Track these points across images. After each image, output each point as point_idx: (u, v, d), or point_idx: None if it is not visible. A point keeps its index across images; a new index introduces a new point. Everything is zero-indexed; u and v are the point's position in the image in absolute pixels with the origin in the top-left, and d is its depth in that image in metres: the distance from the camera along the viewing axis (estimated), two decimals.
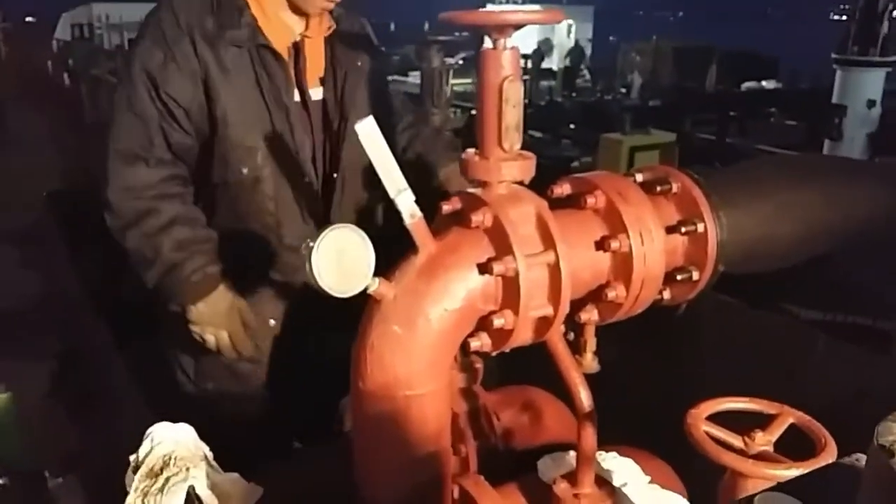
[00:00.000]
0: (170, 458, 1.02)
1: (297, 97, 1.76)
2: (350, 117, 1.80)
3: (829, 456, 0.93)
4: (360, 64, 1.85)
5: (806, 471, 0.90)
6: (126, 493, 1.08)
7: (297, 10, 1.72)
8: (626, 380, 1.35)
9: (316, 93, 1.79)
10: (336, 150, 1.82)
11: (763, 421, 1.03)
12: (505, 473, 1.46)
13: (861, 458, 0.79)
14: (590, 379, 1.28)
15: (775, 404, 1.04)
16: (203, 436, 1.10)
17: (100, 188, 1.68)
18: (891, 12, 10.63)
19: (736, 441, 0.99)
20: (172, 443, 1.04)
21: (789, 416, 1.01)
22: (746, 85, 16.73)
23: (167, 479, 0.98)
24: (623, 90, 14.42)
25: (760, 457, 0.96)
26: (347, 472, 1.27)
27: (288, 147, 1.74)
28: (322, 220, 1.79)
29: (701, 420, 0.99)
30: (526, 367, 1.47)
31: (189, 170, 1.75)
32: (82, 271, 2.77)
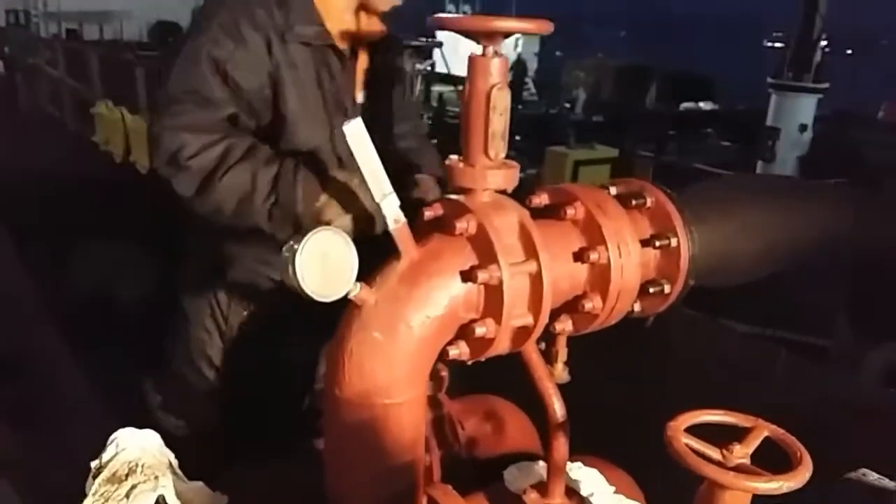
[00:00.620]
0: (136, 465, 0.97)
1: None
2: (388, 120, 1.81)
3: (805, 469, 0.95)
4: (398, 68, 1.85)
5: (787, 483, 0.92)
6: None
7: (364, 7, 1.70)
8: (588, 390, 1.36)
9: (359, 96, 1.78)
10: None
11: (736, 434, 1.04)
12: (466, 482, 1.45)
13: (867, 473, 0.81)
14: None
15: (750, 417, 1.05)
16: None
17: (159, 164, 1.56)
18: (824, 42, 11.10)
19: (714, 453, 1.00)
20: (139, 450, 1.00)
21: (764, 430, 1.03)
22: (684, 105, 17.22)
23: (133, 486, 0.94)
24: (567, 105, 14.67)
25: (739, 469, 0.98)
26: (316, 479, 1.24)
27: (344, 150, 1.70)
28: None
29: (680, 432, 1.00)
30: (480, 375, 1.47)
31: None
32: (21, 269, 2.65)
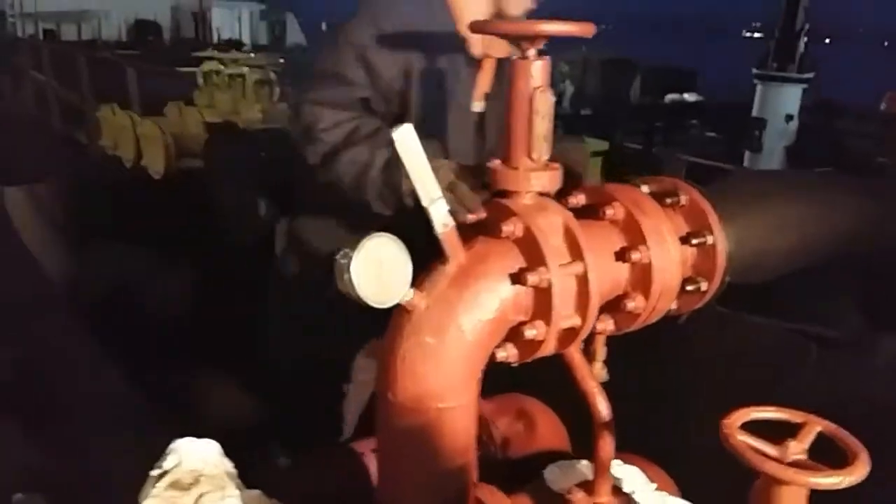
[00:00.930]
0: (200, 475, 0.97)
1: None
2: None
3: (864, 464, 0.96)
4: None
5: (848, 477, 0.93)
6: None
7: (499, 13, 1.71)
8: (620, 388, 1.37)
9: (479, 104, 1.79)
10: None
11: (789, 430, 1.05)
12: (501, 482, 1.46)
13: None
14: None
15: (801, 413, 1.06)
16: None
17: (295, 132, 1.68)
18: (806, 32, 11.17)
19: (771, 449, 1.01)
20: (200, 460, 1.00)
21: (816, 425, 1.04)
22: (669, 97, 17.29)
23: (201, 495, 0.94)
24: (555, 98, 14.67)
25: (796, 465, 0.99)
26: (362, 481, 1.25)
27: (465, 153, 1.72)
28: None
29: (736, 429, 1.01)
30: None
31: None
32: (33, 272, 2.64)
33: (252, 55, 6.03)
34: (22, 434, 1.90)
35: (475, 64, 1.73)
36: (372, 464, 1.50)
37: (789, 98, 11.45)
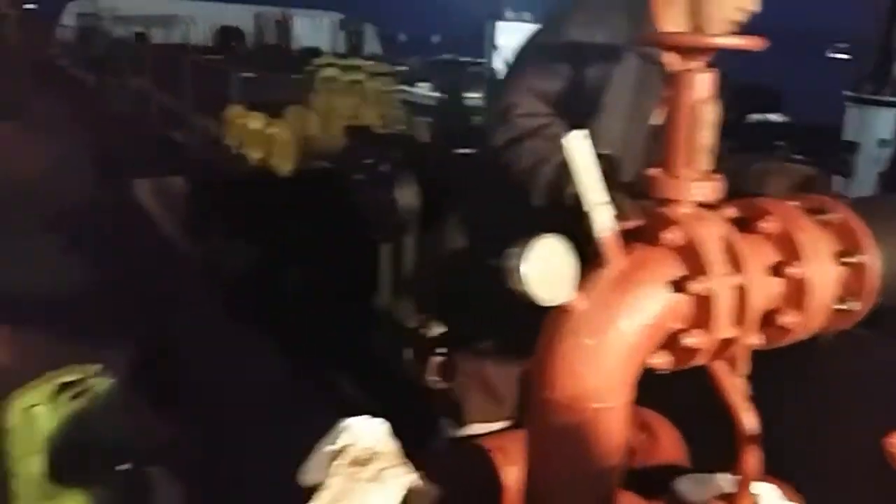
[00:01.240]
0: (375, 452, 1.02)
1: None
2: None
3: None
4: None
5: None
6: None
7: (697, 28, 1.76)
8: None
9: (659, 118, 1.84)
10: None
11: None
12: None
13: None
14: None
15: None
16: None
17: (496, 110, 1.79)
18: None
19: None
20: (373, 438, 1.05)
21: None
22: (753, 117, 16.82)
23: (381, 470, 0.99)
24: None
25: None
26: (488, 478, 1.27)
27: (635, 162, 1.76)
28: None
29: None
30: None
31: None
32: (167, 257, 2.79)
33: (371, 63, 6.26)
34: (158, 410, 2.01)
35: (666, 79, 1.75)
36: (501, 461, 1.53)
37: (884, 122, 10.99)
